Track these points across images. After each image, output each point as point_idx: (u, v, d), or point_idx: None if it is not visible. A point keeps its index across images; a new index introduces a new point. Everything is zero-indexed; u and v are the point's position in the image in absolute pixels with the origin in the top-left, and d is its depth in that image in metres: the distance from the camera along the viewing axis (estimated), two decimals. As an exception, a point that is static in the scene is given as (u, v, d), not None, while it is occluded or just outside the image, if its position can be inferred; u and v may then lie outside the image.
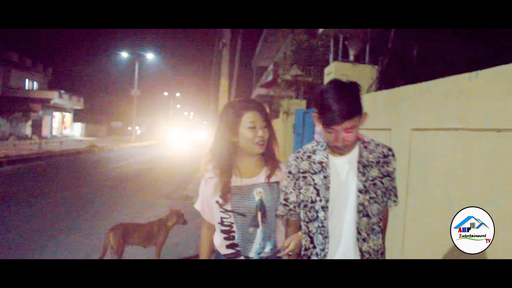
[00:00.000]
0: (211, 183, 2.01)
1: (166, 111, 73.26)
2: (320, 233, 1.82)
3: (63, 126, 43.21)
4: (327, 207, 1.80)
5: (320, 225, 1.81)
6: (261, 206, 1.96)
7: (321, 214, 1.81)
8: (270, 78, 15.21)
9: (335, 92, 1.66)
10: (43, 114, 37.00)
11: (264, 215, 1.96)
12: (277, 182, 2.03)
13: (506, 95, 1.98)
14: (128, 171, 14.89)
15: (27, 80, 38.90)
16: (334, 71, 4.65)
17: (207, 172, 2.04)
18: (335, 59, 4.88)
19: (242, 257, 1.96)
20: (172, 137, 47.47)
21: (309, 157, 1.88)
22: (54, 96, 36.83)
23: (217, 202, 1.98)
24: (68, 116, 44.46)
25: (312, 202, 1.84)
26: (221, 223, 1.98)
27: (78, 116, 46.36)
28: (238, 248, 1.96)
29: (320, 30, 5.19)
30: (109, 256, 4.50)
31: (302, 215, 1.90)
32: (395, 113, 3.17)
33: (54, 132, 40.04)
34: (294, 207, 1.94)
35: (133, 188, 10.97)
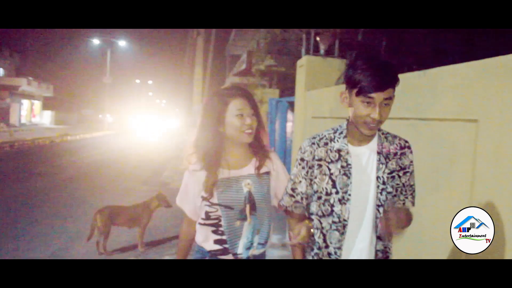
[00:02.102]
0: (196, 177, 1.88)
1: (137, 99, 72.61)
2: (336, 229, 1.66)
3: (32, 114, 42.25)
4: (344, 199, 1.65)
5: (337, 220, 1.66)
6: (250, 199, 1.85)
7: (337, 208, 1.66)
8: (243, 67, 15.48)
9: (375, 59, 1.57)
10: (11, 101, 36.09)
11: (253, 208, 1.85)
12: (267, 173, 1.94)
13: (446, 91, 2.39)
14: (103, 159, 15.00)
15: (-8, 66, 37.84)
16: (306, 64, 5.01)
17: (191, 165, 1.92)
18: (307, 53, 5.25)
19: (230, 255, 1.85)
20: (137, 125, 43.41)
21: (326, 144, 1.73)
22: (22, 83, 35.94)
23: (202, 196, 1.86)
24: (37, 104, 43.47)
25: (327, 194, 1.69)
26: (207, 217, 1.86)
27: (47, 103, 45.34)
28: (226, 245, 1.84)
29: (293, 25, 5.57)
30: (96, 236, 4.80)
31: (315, 207, 1.74)
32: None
33: (23, 120, 39.12)
34: (302, 198, 1.79)
35: (111, 174, 11.16)
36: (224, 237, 1.84)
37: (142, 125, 41.91)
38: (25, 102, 40.09)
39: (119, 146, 21.06)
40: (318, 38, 5.16)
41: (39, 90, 40.57)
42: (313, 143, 1.75)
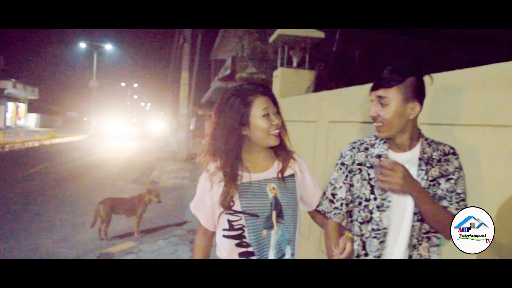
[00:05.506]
0: (215, 182, 1.70)
1: (123, 102, 72.94)
2: (375, 237, 1.63)
3: (17, 117, 42.37)
4: (383, 206, 1.61)
5: (375, 227, 1.63)
6: (276, 204, 1.69)
7: (375, 215, 1.63)
8: (228, 72, 16.26)
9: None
10: (-4, 104, 36.33)
11: (280, 215, 1.69)
12: (292, 175, 1.79)
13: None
14: (93, 160, 15.66)
15: (-24, 69, 37.90)
16: (280, 74, 5.80)
17: (209, 168, 1.72)
18: (282, 65, 6.04)
19: None
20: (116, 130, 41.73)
21: (366, 149, 1.71)
22: (8, 86, 36.15)
23: (222, 205, 1.68)
24: (22, 107, 43.60)
25: (366, 200, 1.66)
26: (231, 227, 1.68)
27: (32, 106, 45.54)
28: (253, 257, 1.66)
29: (270, 40, 6.34)
30: (98, 224, 5.52)
31: (355, 214, 1.71)
32: (319, 109, 4.34)
33: (8, 123, 39.24)
34: (341, 205, 1.74)
35: (102, 175, 11.85)
36: (250, 249, 1.66)
37: (119, 130, 42.78)
38: (10, 105, 40.19)
39: (107, 148, 21.70)
40: (291, 52, 5.95)
41: (24, 93, 40.71)
42: (353, 147, 1.75)
